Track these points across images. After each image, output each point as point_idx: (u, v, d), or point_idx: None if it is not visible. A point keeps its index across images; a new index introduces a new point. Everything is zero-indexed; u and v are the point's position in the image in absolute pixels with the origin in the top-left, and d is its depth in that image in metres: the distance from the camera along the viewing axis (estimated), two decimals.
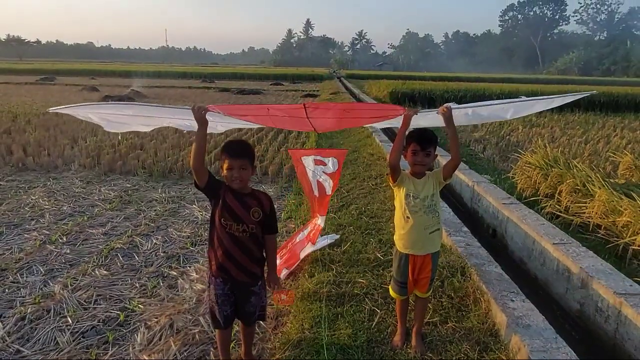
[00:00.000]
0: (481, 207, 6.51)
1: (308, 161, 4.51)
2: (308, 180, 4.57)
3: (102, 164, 8.40)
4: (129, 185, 7.54)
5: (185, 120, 3.26)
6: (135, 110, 3.33)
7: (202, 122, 2.62)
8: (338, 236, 5.03)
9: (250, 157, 2.67)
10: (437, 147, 2.93)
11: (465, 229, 4.86)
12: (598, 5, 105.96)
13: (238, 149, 2.65)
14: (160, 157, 8.88)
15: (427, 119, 3.12)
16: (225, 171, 2.62)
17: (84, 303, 3.91)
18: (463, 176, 7.30)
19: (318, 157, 4.50)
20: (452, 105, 2.76)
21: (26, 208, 6.25)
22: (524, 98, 2.97)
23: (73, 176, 7.97)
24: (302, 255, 4.50)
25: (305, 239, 4.66)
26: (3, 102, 17.79)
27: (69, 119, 13.18)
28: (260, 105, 2.95)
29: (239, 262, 2.68)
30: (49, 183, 7.48)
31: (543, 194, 6.39)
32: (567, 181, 5.97)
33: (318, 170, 4.46)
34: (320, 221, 4.66)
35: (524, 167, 7.29)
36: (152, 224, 5.82)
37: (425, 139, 2.81)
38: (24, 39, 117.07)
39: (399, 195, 2.96)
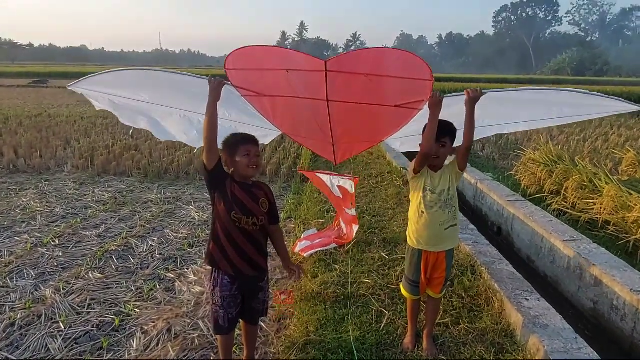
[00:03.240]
0: (485, 204, 6.37)
1: (323, 175, 4.69)
2: (326, 186, 4.67)
3: (95, 165, 8.20)
4: (123, 186, 7.35)
5: (197, 115, 3.23)
6: (150, 94, 3.23)
7: (216, 96, 2.54)
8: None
9: (259, 146, 2.61)
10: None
11: (472, 226, 4.72)
12: (590, 7, 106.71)
13: (249, 136, 2.59)
14: (156, 157, 8.70)
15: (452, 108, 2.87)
16: (241, 159, 2.48)
17: (77, 307, 3.72)
18: (465, 174, 7.15)
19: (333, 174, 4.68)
20: (485, 91, 2.57)
21: (17, 210, 6.06)
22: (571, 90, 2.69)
23: (66, 178, 7.77)
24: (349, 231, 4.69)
25: (345, 226, 4.82)
26: None
27: (61, 121, 12.99)
28: (278, 77, 2.72)
29: (250, 258, 2.54)
30: (40, 185, 7.28)
31: (548, 191, 6.26)
32: (573, 177, 5.85)
33: (335, 179, 4.56)
34: (352, 212, 4.65)
35: (528, 164, 7.17)
36: (148, 226, 5.64)
37: (440, 130, 2.64)
38: (17, 42, 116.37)
39: (415, 189, 2.79)
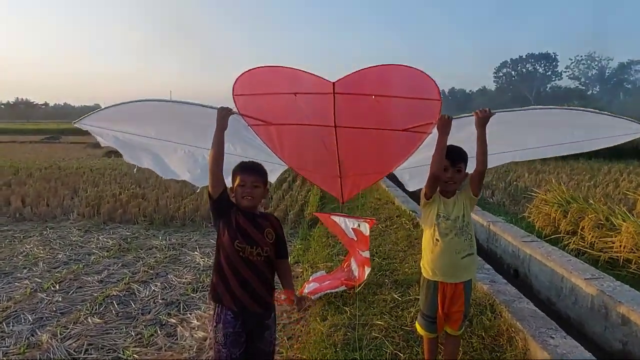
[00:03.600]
0: (499, 247, 6.17)
1: (337, 217, 4.50)
2: (340, 228, 4.49)
3: (102, 213, 8.15)
4: (128, 233, 7.26)
5: (202, 150, 3.17)
6: (157, 128, 3.20)
7: (223, 125, 2.53)
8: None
9: (263, 176, 2.51)
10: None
11: (488, 266, 4.53)
12: (589, 62, 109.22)
13: (250, 165, 2.52)
14: (162, 205, 8.63)
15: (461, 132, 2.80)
16: (236, 189, 2.44)
17: (74, 353, 3.54)
18: (476, 217, 7.00)
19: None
20: (494, 111, 2.51)
21: (19, 257, 5.95)
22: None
23: (71, 225, 7.70)
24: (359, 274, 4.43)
25: (356, 267, 4.58)
26: (6, 159, 17.82)
27: (70, 172, 13.13)
28: (286, 101, 2.67)
29: (254, 291, 2.40)
30: (45, 232, 7.21)
31: (564, 231, 6.07)
32: (589, 216, 5.68)
33: (350, 221, 4.37)
34: (365, 254, 4.43)
35: (540, 206, 7.01)
36: (151, 271, 5.49)
37: (455, 154, 2.57)
38: (33, 102, 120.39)
39: (429, 216, 2.66)
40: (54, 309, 4.36)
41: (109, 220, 8.03)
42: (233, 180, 2.47)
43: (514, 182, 12.89)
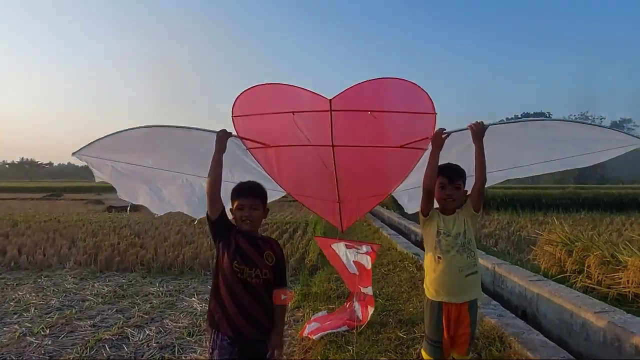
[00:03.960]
0: (505, 289, 5.99)
1: (339, 246, 4.35)
2: (340, 262, 4.37)
3: (99, 261, 8.00)
4: (124, 280, 7.09)
5: (200, 179, 3.13)
6: (155, 157, 3.17)
7: (221, 147, 2.53)
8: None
9: (261, 197, 2.47)
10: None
11: (495, 302, 4.38)
12: (582, 120, 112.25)
13: (248, 187, 2.47)
14: (160, 253, 8.49)
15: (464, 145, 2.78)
16: (235, 212, 2.40)
17: None
18: (481, 260, 6.78)
19: (349, 243, 4.34)
20: (488, 123, 2.51)
21: (11, 303, 5.77)
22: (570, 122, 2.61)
23: (67, 273, 7.53)
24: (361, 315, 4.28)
25: (359, 307, 4.41)
26: (6, 213, 17.77)
27: (69, 224, 13.04)
28: (284, 122, 2.66)
29: (251, 315, 2.30)
30: (39, 280, 7.04)
31: (570, 270, 5.92)
32: (595, 253, 5.56)
33: (351, 253, 4.25)
34: (368, 291, 4.30)
35: (545, 247, 6.89)
36: (146, 316, 5.30)
37: (453, 172, 2.56)
38: (37, 162, 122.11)
39: (429, 234, 2.61)
40: (43, 352, 4.17)
41: (106, 268, 7.87)
42: (232, 203, 2.44)
43: (517, 232, 12.79)
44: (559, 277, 5.97)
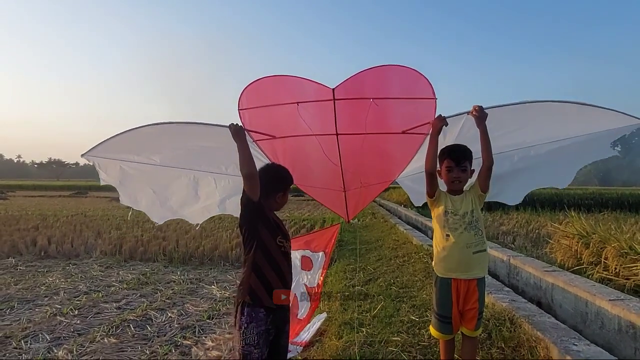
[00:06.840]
0: (520, 280, 6.00)
1: (295, 255, 3.94)
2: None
3: (123, 251, 8.29)
4: (147, 269, 7.34)
5: (212, 170, 3.17)
6: (163, 155, 3.11)
7: (242, 138, 2.48)
8: (325, 315, 4.45)
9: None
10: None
11: (508, 288, 4.41)
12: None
13: (291, 179, 2.67)
14: (182, 244, 8.74)
15: (457, 129, 2.79)
16: (279, 198, 2.54)
17: None
18: (496, 252, 6.86)
19: (306, 254, 4.04)
20: (484, 106, 2.56)
21: (42, 287, 6.07)
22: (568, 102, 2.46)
23: (93, 262, 7.84)
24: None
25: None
26: (36, 209, 18.40)
27: (95, 218, 13.44)
28: (289, 113, 2.70)
29: (288, 282, 2.47)
30: (68, 268, 7.36)
31: (587, 262, 5.89)
32: (612, 245, 5.52)
33: (303, 276, 3.96)
34: (315, 278, 3.98)
35: (561, 240, 6.84)
36: (168, 301, 5.52)
37: (459, 153, 2.63)
38: (64, 162, 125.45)
39: (437, 213, 2.69)
40: (72, 329, 4.41)
41: (130, 258, 8.16)
42: (275, 187, 2.49)
43: (536, 230, 12.65)
44: (575, 268, 5.94)
